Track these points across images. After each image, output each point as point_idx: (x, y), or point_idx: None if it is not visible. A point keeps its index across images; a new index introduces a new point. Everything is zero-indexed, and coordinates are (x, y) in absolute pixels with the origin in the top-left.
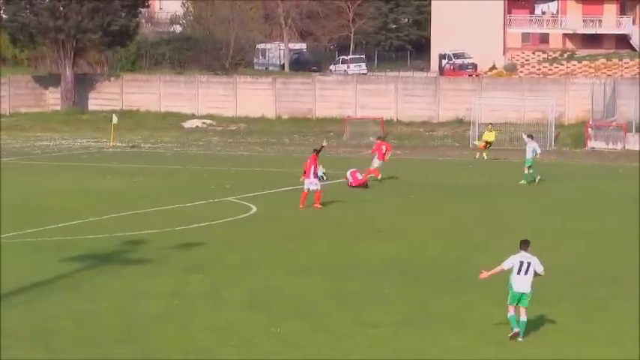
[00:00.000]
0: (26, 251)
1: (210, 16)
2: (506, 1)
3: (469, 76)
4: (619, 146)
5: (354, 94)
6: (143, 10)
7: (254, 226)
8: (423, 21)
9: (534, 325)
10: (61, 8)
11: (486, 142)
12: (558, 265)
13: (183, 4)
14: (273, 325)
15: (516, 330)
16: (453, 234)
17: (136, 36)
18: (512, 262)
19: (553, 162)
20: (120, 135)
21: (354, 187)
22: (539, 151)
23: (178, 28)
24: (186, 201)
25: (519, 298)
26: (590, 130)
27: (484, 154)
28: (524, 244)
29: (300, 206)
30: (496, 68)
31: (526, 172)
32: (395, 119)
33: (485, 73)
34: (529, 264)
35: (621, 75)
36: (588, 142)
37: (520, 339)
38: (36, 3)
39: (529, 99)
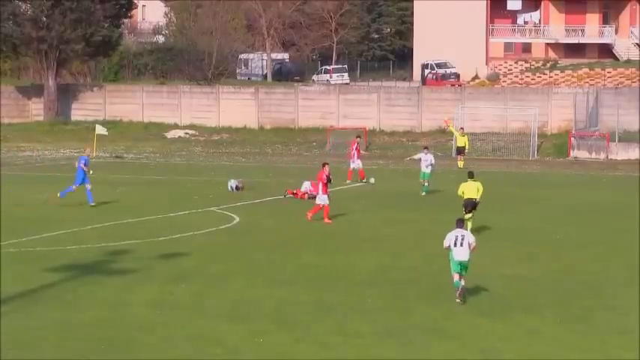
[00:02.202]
0: (9, 262)
1: (193, 27)
2: (489, 11)
3: (452, 85)
4: (602, 156)
5: (337, 104)
6: (126, 20)
7: (237, 236)
8: (405, 31)
9: (518, 334)
10: (44, 19)
11: (459, 149)
12: (543, 274)
13: (166, 15)
14: (257, 336)
15: (460, 289)
16: (435, 243)
17: (118, 46)
18: (448, 239)
19: (536, 171)
20: (103, 145)
21: (302, 198)
22: (433, 162)
23: (161, 39)
24: (170, 211)
25: (460, 266)
26: (572, 139)
27: (459, 163)
28: (459, 223)
29: (310, 218)
30: (479, 78)
31: (426, 184)
32: (377, 129)
33: (468, 82)
34: (463, 236)
35: (604, 84)
36: (571, 151)
37: (458, 301)
38: (19, 13)
39: (512, 108)
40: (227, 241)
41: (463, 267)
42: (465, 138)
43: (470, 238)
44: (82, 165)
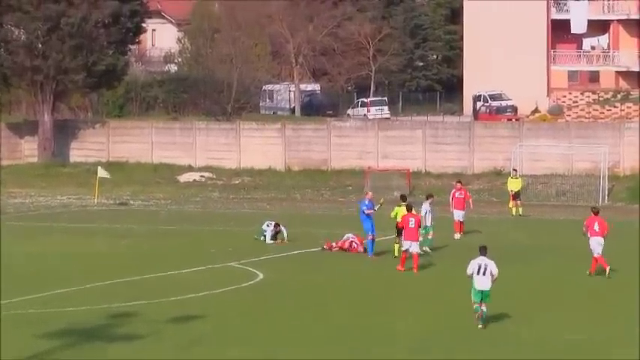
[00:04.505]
0: None
1: (210, 54)
2: (550, 35)
3: (508, 120)
4: None
5: (376, 142)
6: (133, 47)
7: (261, 295)
8: (454, 58)
9: None
10: (40, 45)
11: (512, 193)
12: (615, 339)
13: (179, 41)
14: None
15: (480, 312)
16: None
17: (124, 76)
18: (472, 267)
19: (607, 219)
20: (106, 190)
21: (342, 248)
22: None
23: (173, 68)
24: (182, 267)
25: (481, 295)
26: None
27: (514, 210)
28: (483, 250)
29: (400, 268)
30: (539, 111)
31: (430, 237)
32: (423, 170)
33: (527, 117)
34: (486, 266)
35: None
36: None
37: (480, 326)
38: (11, 40)
39: (578, 147)
40: (249, 302)
41: (485, 296)
42: (519, 180)
43: (493, 268)
44: (367, 210)
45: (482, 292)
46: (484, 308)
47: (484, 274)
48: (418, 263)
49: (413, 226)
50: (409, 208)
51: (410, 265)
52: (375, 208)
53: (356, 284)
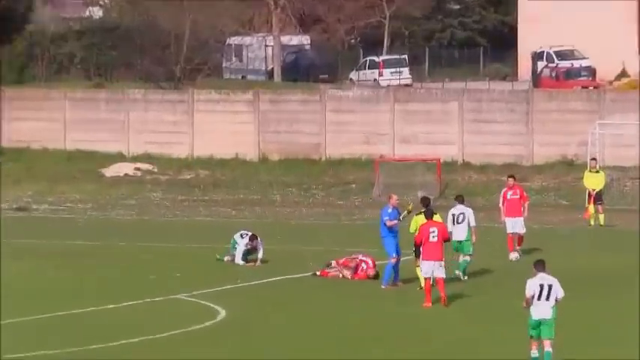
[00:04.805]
0: None
1: None
2: None
3: (583, 88)
4: None
5: (391, 120)
6: None
7: (222, 340)
8: None
9: None
10: None
11: (592, 192)
12: None
13: None
14: None
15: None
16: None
17: (26, 25)
18: (533, 288)
19: None
20: None
21: (344, 266)
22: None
23: (98, 13)
24: (109, 301)
25: (539, 327)
26: None
27: (593, 217)
28: (540, 266)
29: (427, 304)
30: (628, 76)
31: (463, 259)
32: (460, 160)
33: (610, 83)
34: (550, 287)
35: None
36: None
37: None
38: None
39: None
40: (204, 351)
41: (546, 329)
42: (601, 175)
43: (559, 290)
44: (389, 222)
45: (541, 322)
46: (549, 348)
47: (547, 298)
48: (446, 290)
49: (435, 239)
50: (429, 215)
51: (437, 296)
52: (400, 218)
53: (361, 328)
